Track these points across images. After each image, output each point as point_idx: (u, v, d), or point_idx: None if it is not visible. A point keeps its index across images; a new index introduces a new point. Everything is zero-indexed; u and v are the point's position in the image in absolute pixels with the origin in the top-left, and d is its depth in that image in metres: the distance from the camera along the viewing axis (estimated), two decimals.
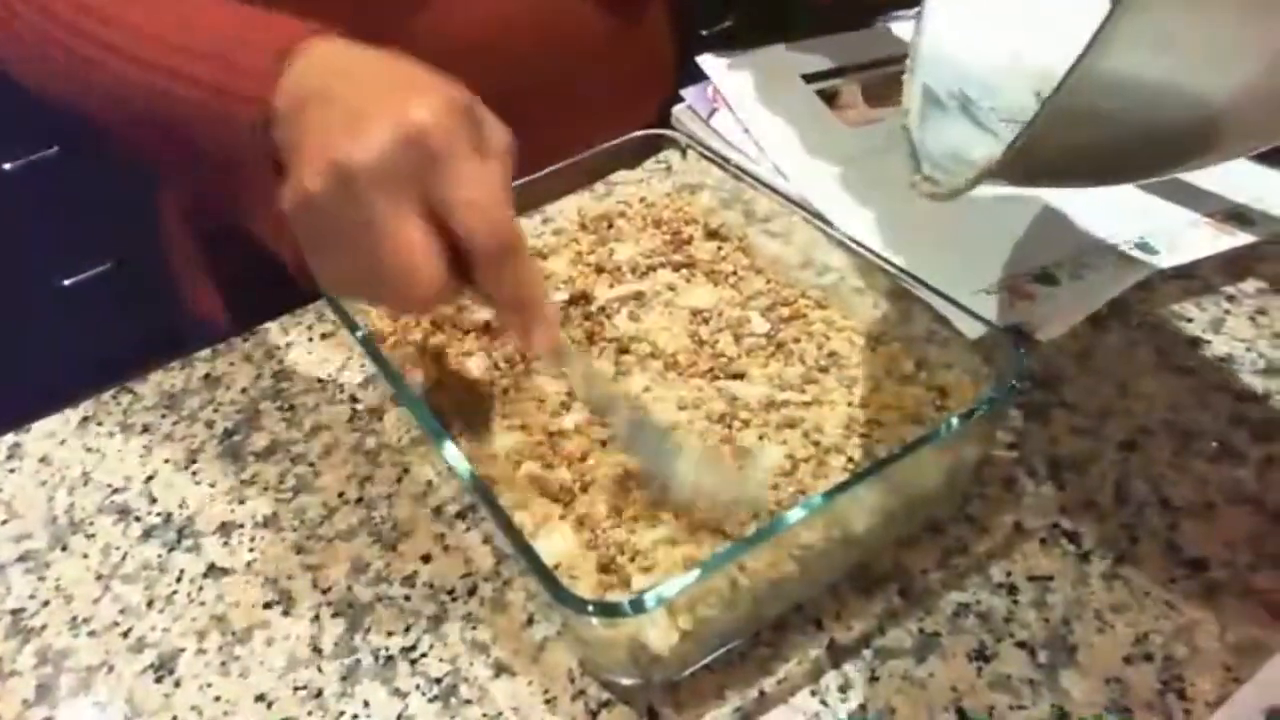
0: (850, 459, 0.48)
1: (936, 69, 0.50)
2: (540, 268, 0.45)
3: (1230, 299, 0.61)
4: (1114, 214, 0.64)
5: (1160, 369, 0.57)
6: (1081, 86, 0.34)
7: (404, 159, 0.40)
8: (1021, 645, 0.45)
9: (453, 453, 0.45)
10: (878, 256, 0.53)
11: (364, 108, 0.41)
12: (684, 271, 0.60)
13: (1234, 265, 0.62)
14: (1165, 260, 0.61)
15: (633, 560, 0.44)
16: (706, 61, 0.77)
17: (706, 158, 0.62)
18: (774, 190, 0.59)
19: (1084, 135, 0.39)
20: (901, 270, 0.52)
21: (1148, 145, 0.41)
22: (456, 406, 0.52)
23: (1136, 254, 0.62)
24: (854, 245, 0.54)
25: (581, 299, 0.59)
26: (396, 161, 0.39)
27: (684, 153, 0.64)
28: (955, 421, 0.44)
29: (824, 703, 0.43)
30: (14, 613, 0.49)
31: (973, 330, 0.49)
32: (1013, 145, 0.37)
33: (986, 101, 0.49)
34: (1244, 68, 0.37)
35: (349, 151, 0.39)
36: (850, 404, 0.51)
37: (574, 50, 0.74)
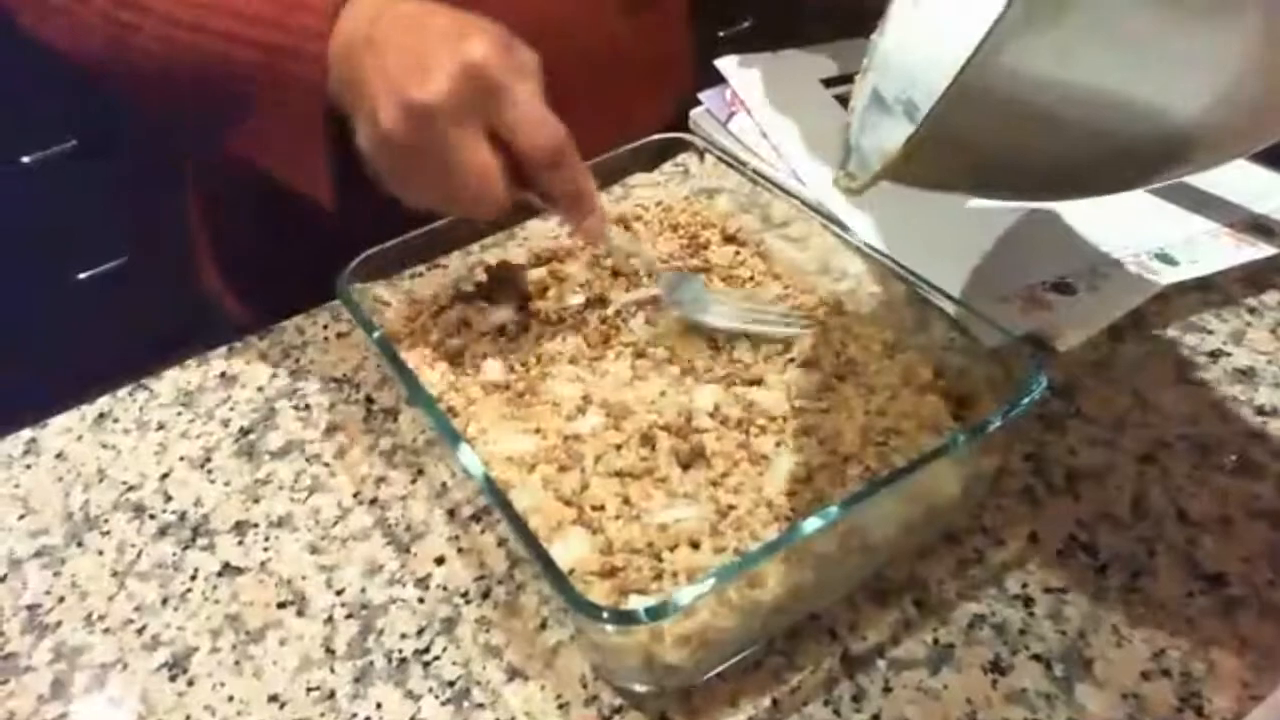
0: (867, 467, 0.48)
1: (890, 72, 0.50)
2: (584, 167, 0.52)
3: (1251, 311, 0.60)
4: (1133, 225, 0.64)
5: (1179, 381, 0.56)
6: (976, 77, 0.34)
7: (469, 93, 0.46)
8: (1037, 658, 0.44)
9: (468, 455, 0.45)
10: (896, 263, 0.52)
11: (424, 52, 0.47)
12: (701, 276, 0.60)
13: (1255, 277, 0.62)
14: (1185, 271, 0.61)
15: (653, 562, 0.44)
16: (725, 65, 0.76)
17: (725, 162, 0.62)
18: (792, 195, 0.59)
19: (1005, 132, 0.39)
20: (920, 278, 0.51)
21: (1097, 152, 0.41)
22: (472, 409, 0.52)
23: (1155, 265, 0.61)
24: (872, 252, 0.54)
25: (598, 302, 0.58)
26: (463, 96, 0.46)
27: (702, 156, 0.64)
28: (973, 431, 0.44)
29: (837, 712, 0.43)
30: (30, 608, 0.50)
31: (991, 339, 0.49)
32: (914, 134, 0.38)
33: (929, 107, 0.48)
34: (1174, 80, 0.37)
35: (420, 93, 0.45)
36: (867, 412, 0.50)
37: (593, 46, 0.74)
